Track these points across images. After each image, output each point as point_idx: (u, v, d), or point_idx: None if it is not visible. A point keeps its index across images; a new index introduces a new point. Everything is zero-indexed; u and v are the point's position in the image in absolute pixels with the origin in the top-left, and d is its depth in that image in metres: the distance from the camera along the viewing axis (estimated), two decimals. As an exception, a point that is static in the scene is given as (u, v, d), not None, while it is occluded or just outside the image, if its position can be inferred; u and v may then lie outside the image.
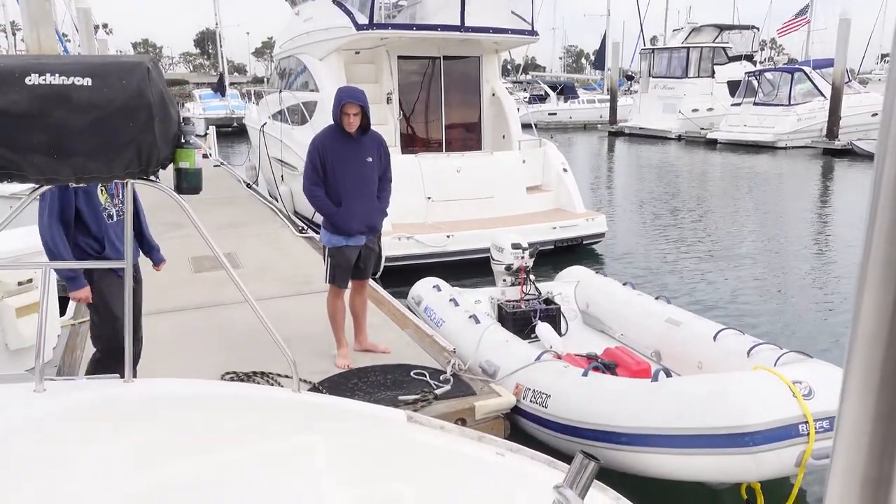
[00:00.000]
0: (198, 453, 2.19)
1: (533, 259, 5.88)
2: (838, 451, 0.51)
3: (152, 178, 2.38)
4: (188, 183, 2.47)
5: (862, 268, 0.50)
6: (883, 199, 0.48)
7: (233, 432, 2.29)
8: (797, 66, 28.58)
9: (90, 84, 2.18)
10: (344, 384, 4.45)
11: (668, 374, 4.01)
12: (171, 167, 2.48)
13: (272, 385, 4.39)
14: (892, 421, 0.49)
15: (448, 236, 8.39)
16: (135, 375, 2.59)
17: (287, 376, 4.34)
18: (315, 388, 4.35)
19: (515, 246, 5.78)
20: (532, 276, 5.95)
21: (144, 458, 2.13)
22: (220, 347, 5.11)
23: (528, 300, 5.84)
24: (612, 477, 3.38)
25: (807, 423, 3.35)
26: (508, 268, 5.84)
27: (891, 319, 0.48)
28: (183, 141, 2.43)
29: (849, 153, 21.72)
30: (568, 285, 6.34)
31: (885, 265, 0.48)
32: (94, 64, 2.24)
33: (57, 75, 2.15)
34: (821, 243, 10.39)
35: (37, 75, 2.17)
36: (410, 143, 10.41)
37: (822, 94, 24.21)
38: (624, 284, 6.00)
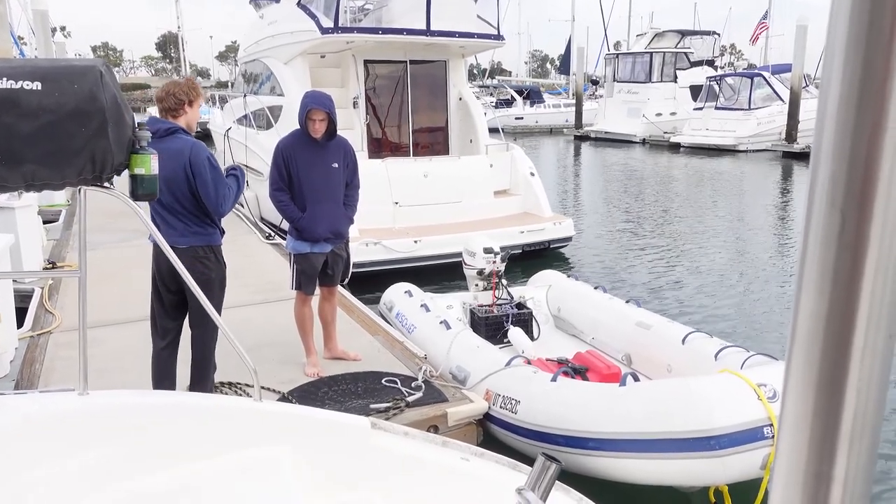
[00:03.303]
0: (156, 466, 2.12)
1: (505, 263, 5.88)
2: (781, 449, 0.53)
3: (106, 184, 2.30)
4: (144, 189, 2.40)
5: (799, 271, 0.51)
6: (817, 204, 0.49)
7: (192, 444, 2.23)
8: (757, 71, 29.27)
9: (40, 88, 2.09)
10: (314, 393, 4.37)
11: (636, 379, 4.02)
12: (126, 173, 2.40)
13: (239, 395, 4.30)
14: (831, 419, 0.50)
15: (415, 241, 8.35)
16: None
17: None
18: (284, 398, 4.27)
19: (487, 250, 5.77)
20: (504, 281, 5.95)
21: (102, 473, 2.06)
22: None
23: (500, 305, 5.83)
24: (578, 479, 3.38)
25: (771, 425, 3.38)
26: (480, 272, 5.83)
27: (826, 320, 0.49)
28: (138, 147, 2.35)
29: (807, 156, 22.25)
30: (540, 289, 6.35)
31: (820, 268, 0.49)
32: (44, 67, 2.15)
33: (4, 79, 2.06)
34: (784, 244, 10.61)
35: None
36: (377, 147, 10.35)
37: (781, 99, 24.83)
38: (595, 288, 6.03)
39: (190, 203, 3.81)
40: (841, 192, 0.48)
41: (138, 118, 2.80)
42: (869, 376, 0.49)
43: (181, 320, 4.05)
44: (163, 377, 4.03)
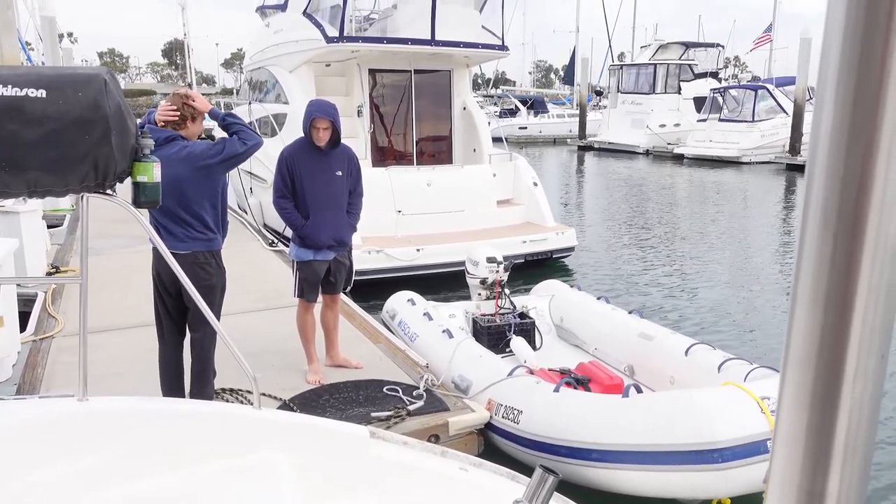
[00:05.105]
0: (152, 472, 2.12)
1: (507, 273, 5.88)
2: (775, 466, 0.54)
3: (109, 191, 2.30)
4: (146, 196, 2.41)
5: (793, 291, 0.52)
6: (811, 226, 0.50)
7: (188, 450, 2.22)
8: (760, 83, 29.33)
9: (45, 96, 2.10)
10: (315, 401, 4.36)
11: (639, 390, 4.01)
12: (129, 180, 2.40)
13: (241, 402, 4.29)
14: (824, 437, 0.51)
15: (418, 250, 8.34)
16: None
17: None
18: (285, 406, 4.26)
19: (490, 260, 5.77)
20: (507, 290, 5.94)
21: (97, 478, 2.05)
22: (187, 364, 4.98)
23: (502, 314, 5.82)
24: (578, 491, 3.36)
25: (775, 438, 3.35)
26: (483, 282, 5.82)
27: (820, 340, 0.50)
28: (141, 154, 2.35)
29: (811, 168, 22.23)
30: (542, 299, 6.33)
31: (814, 289, 0.50)
32: (48, 75, 2.16)
33: (10, 86, 2.07)
34: (786, 257, 10.58)
35: None
36: (381, 156, 10.37)
37: (785, 111, 24.86)
38: (598, 299, 6.02)
39: (190, 208, 3.80)
40: (834, 216, 0.48)
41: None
42: (861, 395, 0.50)
43: (185, 324, 4.05)
44: (171, 385, 4.03)
